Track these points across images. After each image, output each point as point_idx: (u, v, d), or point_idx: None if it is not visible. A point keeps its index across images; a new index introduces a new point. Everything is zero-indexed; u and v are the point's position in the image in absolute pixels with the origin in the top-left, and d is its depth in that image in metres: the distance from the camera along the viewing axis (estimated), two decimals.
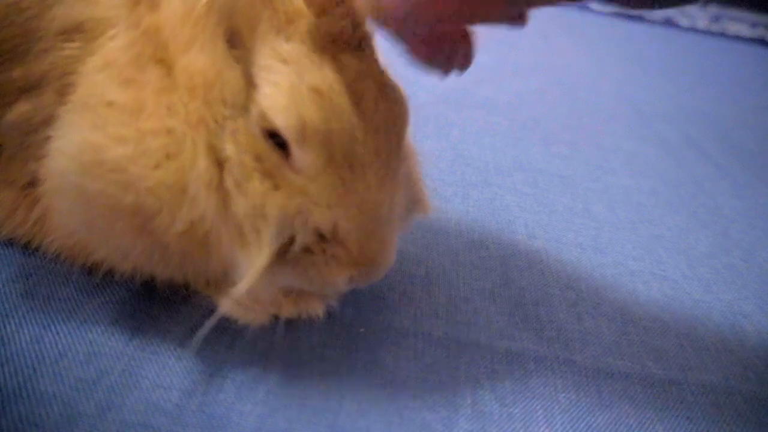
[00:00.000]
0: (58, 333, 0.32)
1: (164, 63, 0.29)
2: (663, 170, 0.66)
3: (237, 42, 0.29)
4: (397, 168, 0.33)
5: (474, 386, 0.35)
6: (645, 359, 0.40)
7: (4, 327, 0.32)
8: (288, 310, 0.34)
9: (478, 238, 0.48)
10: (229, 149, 0.29)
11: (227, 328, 0.33)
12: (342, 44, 0.30)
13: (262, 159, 0.29)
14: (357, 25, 0.30)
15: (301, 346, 0.34)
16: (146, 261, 0.31)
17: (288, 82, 0.28)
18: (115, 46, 0.29)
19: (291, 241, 0.30)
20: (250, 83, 0.29)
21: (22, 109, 0.31)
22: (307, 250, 0.30)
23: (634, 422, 0.35)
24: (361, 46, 0.32)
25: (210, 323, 0.30)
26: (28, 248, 0.36)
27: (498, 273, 0.45)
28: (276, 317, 0.34)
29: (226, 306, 0.33)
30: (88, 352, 0.32)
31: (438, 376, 0.35)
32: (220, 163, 0.29)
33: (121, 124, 0.27)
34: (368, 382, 0.34)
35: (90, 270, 0.34)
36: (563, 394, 0.36)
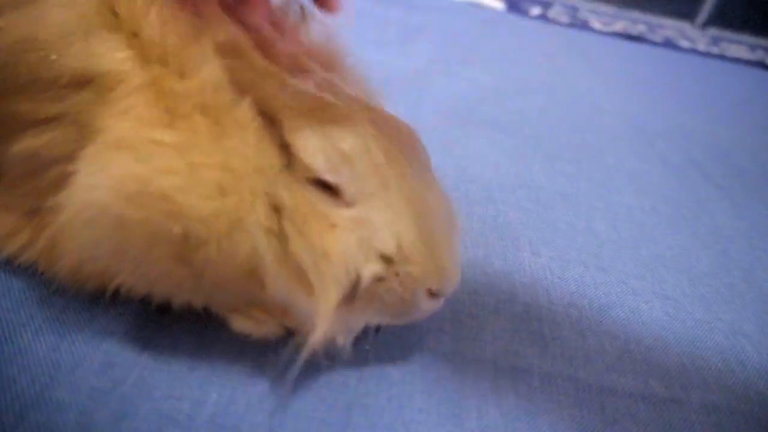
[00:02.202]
0: (73, 342, 0.33)
1: (210, 115, 0.29)
2: (664, 189, 0.67)
3: (261, 115, 0.30)
4: (433, 178, 0.34)
5: (479, 401, 0.36)
6: (648, 377, 0.40)
7: (22, 336, 0.33)
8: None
9: (483, 254, 0.49)
10: (285, 197, 0.30)
11: (237, 341, 0.34)
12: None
13: (316, 205, 0.30)
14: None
15: (309, 359, 0.35)
16: (174, 287, 0.32)
17: (315, 136, 0.30)
18: (135, 102, 0.29)
19: (357, 280, 0.30)
20: (286, 148, 0.30)
21: (31, 143, 0.31)
22: (378, 279, 0.31)
23: None
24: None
25: (301, 358, 0.30)
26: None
27: (503, 289, 0.46)
28: (287, 330, 0.34)
29: (237, 322, 0.34)
30: (103, 361, 0.32)
31: (444, 391, 0.36)
32: (277, 210, 0.30)
33: (170, 158, 0.28)
34: (375, 396, 0.34)
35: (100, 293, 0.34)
36: (567, 411, 0.36)
